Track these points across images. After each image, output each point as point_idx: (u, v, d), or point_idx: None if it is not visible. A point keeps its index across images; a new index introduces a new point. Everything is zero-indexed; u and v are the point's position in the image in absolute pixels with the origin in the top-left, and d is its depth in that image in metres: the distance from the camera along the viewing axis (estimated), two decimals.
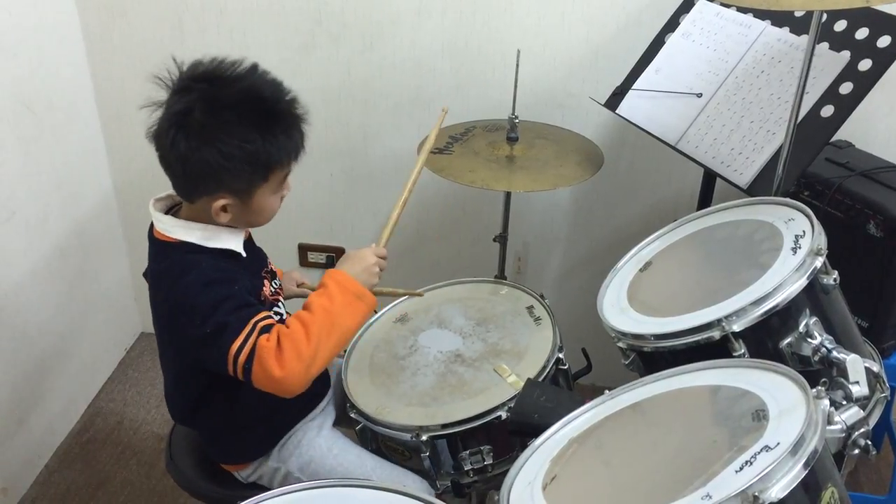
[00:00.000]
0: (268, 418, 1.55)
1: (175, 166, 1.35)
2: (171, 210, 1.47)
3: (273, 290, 1.55)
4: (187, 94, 1.32)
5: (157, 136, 1.35)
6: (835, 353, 1.22)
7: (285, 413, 1.58)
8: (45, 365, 2.34)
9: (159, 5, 2.31)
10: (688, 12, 1.95)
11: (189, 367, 1.47)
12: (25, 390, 2.26)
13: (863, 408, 1.12)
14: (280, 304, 1.56)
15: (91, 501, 2.25)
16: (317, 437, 1.60)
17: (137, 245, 2.68)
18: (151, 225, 1.46)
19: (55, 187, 2.32)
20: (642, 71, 1.97)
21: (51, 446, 2.40)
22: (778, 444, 0.92)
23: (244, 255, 1.48)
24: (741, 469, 0.91)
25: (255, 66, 1.37)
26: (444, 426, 1.50)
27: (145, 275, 1.56)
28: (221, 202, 1.37)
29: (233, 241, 1.45)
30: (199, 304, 1.33)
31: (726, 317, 1.25)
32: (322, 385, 1.67)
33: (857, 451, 1.07)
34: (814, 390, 0.99)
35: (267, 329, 1.34)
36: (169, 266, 1.40)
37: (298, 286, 1.76)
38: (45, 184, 2.27)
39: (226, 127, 1.31)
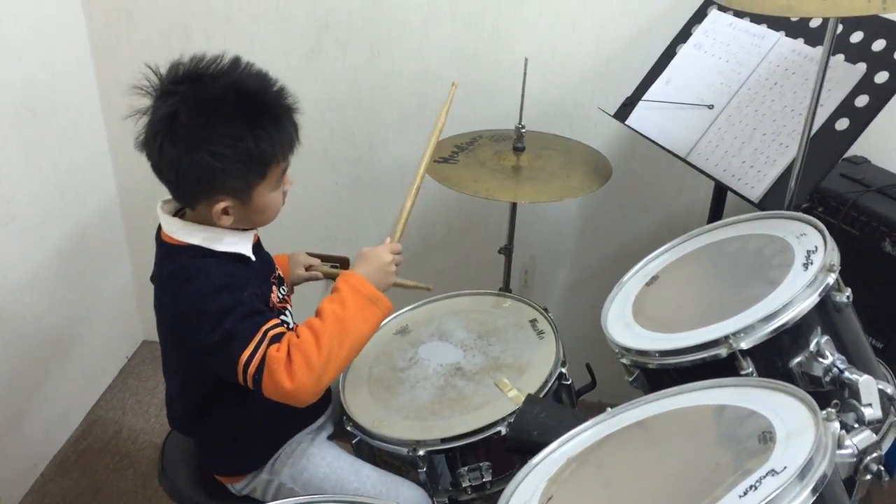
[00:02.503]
0: (268, 430, 1.52)
1: (168, 173, 1.32)
2: (179, 212, 1.43)
3: (280, 297, 1.52)
4: (170, 98, 1.28)
5: (146, 144, 1.32)
6: (847, 374, 1.18)
7: (286, 425, 1.55)
8: (43, 371, 2.32)
9: (166, 10, 2.30)
10: (700, 23, 1.91)
11: (193, 373, 1.44)
12: (23, 396, 2.23)
13: (875, 431, 1.07)
14: (287, 311, 1.53)
15: None
16: (309, 447, 1.56)
17: (141, 251, 2.68)
18: (159, 227, 1.43)
19: (57, 191, 2.30)
20: (653, 82, 1.93)
21: (47, 454, 2.37)
22: (785, 468, 0.88)
23: (253, 258, 1.44)
24: (745, 494, 0.87)
25: (237, 60, 1.32)
26: (442, 441, 1.46)
27: (153, 279, 1.53)
28: (221, 205, 1.33)
29: (241, 245, 1.41)
30: (208, 310, 1.30)
31: (734, 334, 1.21)
32: (324, 398, 1.63)
33: (868, 477, 1.02)
34: (824, 412, 0.95)
35: (277, 338, 1.30)
36: (176, 270, 1.36)
37: (307, 269, 1.73)
38: (47, 187, 2.25)
39: (213, 127, 1.27)
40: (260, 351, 1.28)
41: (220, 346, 1.29)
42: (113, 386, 2.68)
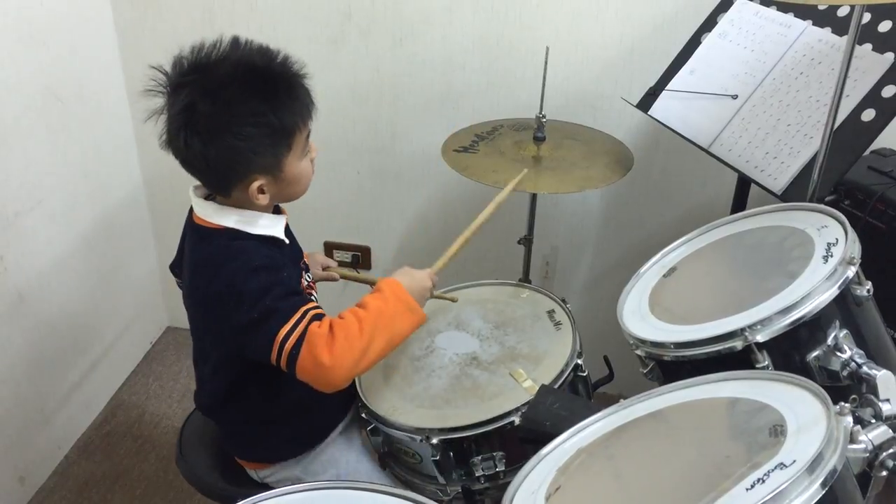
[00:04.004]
0: (298, 419, 1.53)
1: (198, 165, 1.33)
2: (210, 196, 1.44)
3: (307, 282, 1.54)
4: (182, 91, 1.28)
5: (170, 142, 1.32)
6: (865, 369, 1.15)
7: (316, 416, 1.55)
8: (68, 355, 2.35)
9: None
10: (726, 11, 1.88)
11: (227, 356, 1.45)
12: (48, 380, 2.27)
13: (893, 427, 1.05)
14: (313, 297, 1.54)
15: (108, 494, 2.25)
16: (348, 458, 1.57)
17: (166, 238, 2.70)
18: (190, 212, 1.44)
19: (83, 177, 2.32)
20: (677, 71, 1.90)
21: (71, 437, 2.41)
22: (794, 461, 0.86)
23: (287, 241, 1.46)
24: (752, 487, 0.85)
25: (236, 40, 1.33)
26: (455, 430, 1.45)
27: (171, 268, 1.54)
28: (256, 184, 1.34)
29: (275, 228, 1.43)
30: (247, 290, 1.31)
31: (750, 326, 1.19)
32: (351, 389, 1.63)
33: (884, 473, 1.00)
34: (836, 406, 0.93)
35: (318, 318, 1.31)
36: (214, 252, 1.37)
37: (324, 269, 1.74)
38: (73, 174, 2.28)
39: (231, 109, 1.28)
40: (299, 327, 1.28)
41: (259, 323, 1.30)
42: (137, 371, 2.71)
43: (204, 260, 1.39)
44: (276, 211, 1.49)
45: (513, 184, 1.66)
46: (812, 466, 0.83)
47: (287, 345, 1.28)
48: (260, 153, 1.31)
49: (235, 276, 1.32)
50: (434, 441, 1.45)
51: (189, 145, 1.29)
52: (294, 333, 1.28)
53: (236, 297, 1.31)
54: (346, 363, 1.28)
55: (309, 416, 1.53)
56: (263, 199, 1.37)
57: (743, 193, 1.92)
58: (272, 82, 1.31)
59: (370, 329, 1.30)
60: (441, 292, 1.69)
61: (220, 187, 1.38)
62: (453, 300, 1.74)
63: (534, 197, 2.05)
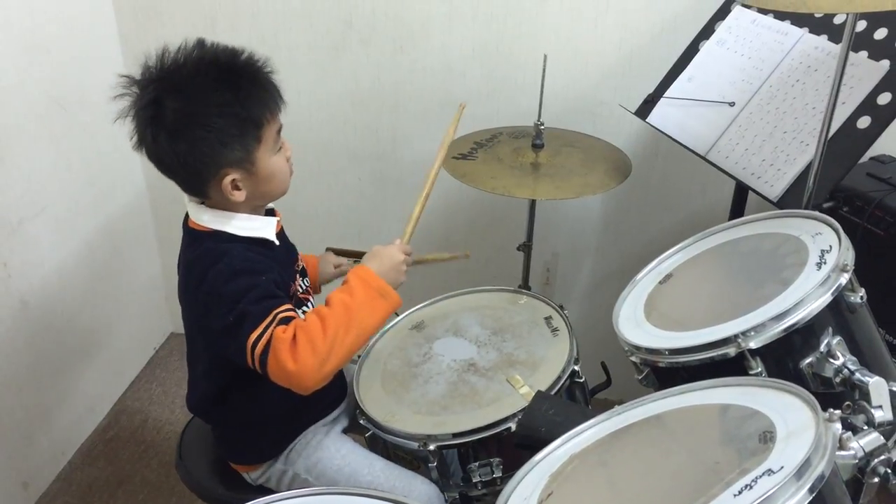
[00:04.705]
0: (284, 420, 1.54)
1: (170, 163, 1.33)
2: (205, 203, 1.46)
3: (303, 288, 1.54)
4: (149, 87, 1.31)
5: (141, 141, 1.34)
6: (857, 376, 1.16)
7: (301, 416, 1.57)
8: (72, 361, 2.36)
9: (193, 5, 2.33)
10: (723, 19, 1.89)
11: (216, 358, 1.46)
12: (52, 386, 2.28)
13: (886, 434, 1.06)
14: (310, 303, 1.55)
15: (111, 499, 2.26)
16: (325, 439, 1.58)
17: (169, 244, 2.70)
18: (186, 216, 1.45)
19: (86, 184, 2.34)
20: (675, 79, 1.91)
21: (75, 442, 2.42)
22: (781, 467, 0.86)
23: (277, 243, 1.47)
24: (740, 493, 0.86)
25: (201, 42, 1.35)
26: (453, 436, 1.46)
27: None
28: (229, 178, 1.35)
29: (265, 230, 1.44)
30: (226, 293, 1.32)
31: (743, 333, 1.19)
32: (340, 391, 1.65)
33: (876, 480, 1.00)
34: (825, 413, 0.93)
35: (286, 321, 1.31)
36: (201, 254, 1.38)
37: (336, 267, 1.75)
38: (76, 180, 2.29)
39: (198, 101, 1.29)
40: (268, 332, 1.29)
41: (234, 328, 1.31)
42: (140, 377, 2.73)
43: (193, 262, 1.41)
44: (269, 213, 1.50)
45: (455, 123, 1.65)
46: (800, 472, 0.83)
47: (257, 350, 1.29)
48: (228, 144, 1.32)
49: (217, 279, 1.34)
50: (431, 447, 1.46)
51: (158, 141, 1.30)
52: (263, 338, 1.29)
53: (217, 299, 1.33)
54: (311, 366, 1.28)
55: (294, 417, 1.55)
56: (239, 196, 1.37)
57: (741, 200, 1.93)
58: (236, 74, 1.33)
59: (334, 327, 1.30)
60: (432, 256, 1.71)
61: (195, 186, 1.39)
62: (466, 255, 1.75)
63: (533, 204, 2.06)
